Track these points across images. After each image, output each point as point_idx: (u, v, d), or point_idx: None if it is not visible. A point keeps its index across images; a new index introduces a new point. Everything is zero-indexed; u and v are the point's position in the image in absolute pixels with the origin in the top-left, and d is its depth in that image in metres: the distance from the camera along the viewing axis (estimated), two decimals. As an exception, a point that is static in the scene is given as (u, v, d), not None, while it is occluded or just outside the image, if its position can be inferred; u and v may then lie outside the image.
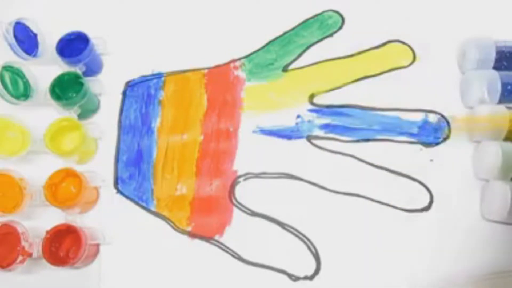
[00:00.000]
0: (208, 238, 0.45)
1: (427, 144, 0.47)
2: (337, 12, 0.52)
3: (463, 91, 0.48)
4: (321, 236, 0.44)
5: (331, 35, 0.51)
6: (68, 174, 0.45)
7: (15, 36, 0.47)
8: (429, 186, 0.45)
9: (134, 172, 0.47)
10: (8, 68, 0.47)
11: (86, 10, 0.53)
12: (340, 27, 0.52)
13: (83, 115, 0.48)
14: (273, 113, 0.49)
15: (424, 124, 0.47)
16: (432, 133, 0.47)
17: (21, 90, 0.47)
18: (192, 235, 0.45)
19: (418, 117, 0.47)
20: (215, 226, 0.45)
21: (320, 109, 0.48)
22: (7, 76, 0.47)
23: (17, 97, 0.47)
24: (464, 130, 0.46)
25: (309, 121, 0.48)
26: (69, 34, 0.49)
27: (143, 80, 0.51)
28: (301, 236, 0.44)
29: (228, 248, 0.44)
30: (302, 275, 0.43)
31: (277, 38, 0.52)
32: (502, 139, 0.44)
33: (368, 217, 0.44)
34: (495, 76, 0.45)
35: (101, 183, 0.47)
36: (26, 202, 0.43)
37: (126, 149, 0.48)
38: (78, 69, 0.48)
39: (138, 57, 0.51)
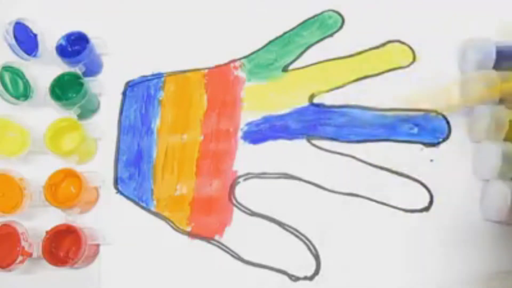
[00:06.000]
0: (208, 238, 0.45)
1: (427, 144, 0.46)
2: (337, 12, 0.52)
3: (463, 92, 0.48)
4: (321, 236, 0.44)
5: (331, 35, 0.51)
6: (68, 174, 0.45)
7: (15, 36, 0.47)
8: (429, 186, 0.45)
9: (134, 172, 0.47)
10: (8, 68, 0.47)
11: (86, 10, 0.53)
12: (340, 27, 0.52)
13: (83, 115, 0.48)
14: (273, 113, 0.49)
15: (424, 124, 0.47)
16: (432, 133, 0.47)
17: (21, 90, 0.47)
18: (192, 235, 0.45)
19: (418, 117, 0.47)
20: (215, 226, 0.45)
21: (320, 109, 0.48)
22: (7, 76, 0.47)
23: (17, 97, 0.47)
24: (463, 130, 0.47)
25: (309, 121, 0.48)
26: (69, 34, 0.49)
27: (143, 80, 0.51)
28: (301, 236, 0.44)
29: (228, 248, 0.44)
30: (302, 275, 0.43)
31: (277, 38, 0.52)
32: (502, 139, 0.44)
33: (368, 217, 0.44)
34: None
35: (101, 183, 0.47)
36: (26, 202, 0.43)
37: (126, 149, 0.48)
38: (78, 69, 0.48)
39: (138, 57, 0.51)
